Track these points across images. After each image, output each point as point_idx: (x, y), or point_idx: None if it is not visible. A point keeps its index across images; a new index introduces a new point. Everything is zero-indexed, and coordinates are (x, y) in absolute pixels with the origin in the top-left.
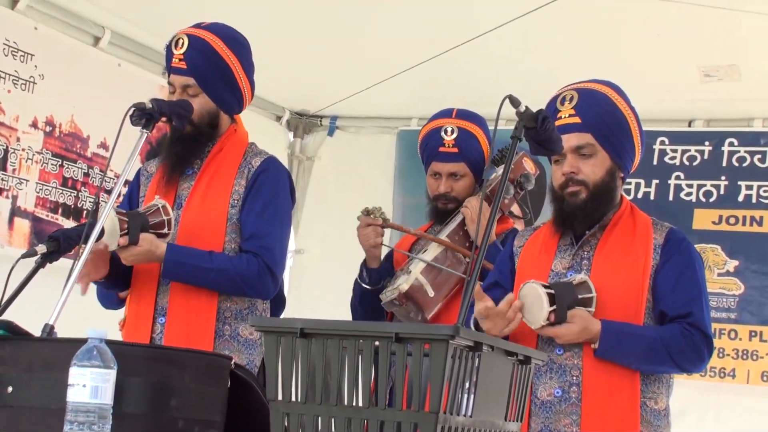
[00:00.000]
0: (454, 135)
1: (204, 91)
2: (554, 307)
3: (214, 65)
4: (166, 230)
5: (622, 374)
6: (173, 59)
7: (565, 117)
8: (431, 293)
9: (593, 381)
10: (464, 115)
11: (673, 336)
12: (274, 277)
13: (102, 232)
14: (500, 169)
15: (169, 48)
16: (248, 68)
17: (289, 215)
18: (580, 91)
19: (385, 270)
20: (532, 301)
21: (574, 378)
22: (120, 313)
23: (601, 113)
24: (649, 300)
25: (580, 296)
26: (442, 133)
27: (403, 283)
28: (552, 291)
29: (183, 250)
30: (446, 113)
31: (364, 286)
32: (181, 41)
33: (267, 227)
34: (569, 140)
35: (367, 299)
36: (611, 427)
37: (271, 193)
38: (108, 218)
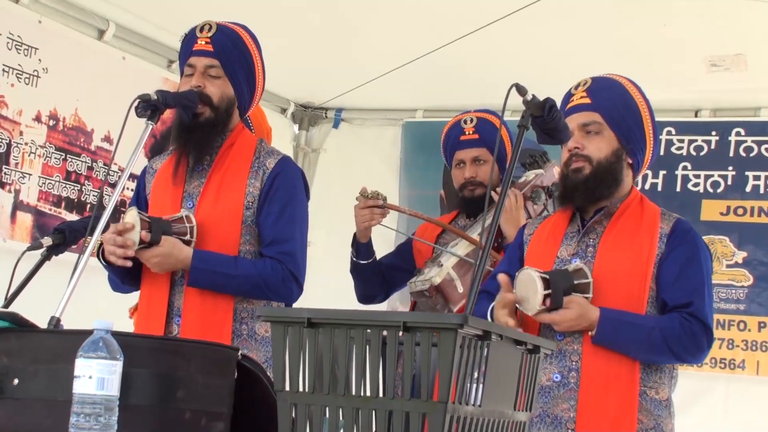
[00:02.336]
0: (474, 123)
1: (226, 75)
2: (549, 290)
3: (241, 53)
4: (188, 238)
5: (621, 362)
6: (197, 42)
7: (576, 99)
8: (461, 289)
9: (592, 367)
10: (482, 110)
11: (672, 326)
12: (298, 283)
13: (107, 226)
14: (530, 173)
15: (192, 33)
16: (264, 69)
17: (307, 217)
18: (595, 78)
19: (398, 253)
20: (527, 286)
21: (573, 363)
22: (129, 301)
23: (612, 96)
24: (652, 289)
25: (576, 282)
26: (462, 123)
27: (435, 276)
28: (547, 276)
29: (209, 256)
30: (465, 112)
31: (357, 261)
32: (208, 26)
33: (287, 232)
34: (577, 118)
35: (358, 271)
36: (608, 413)
37: (289, 197)
38: (131, 216)
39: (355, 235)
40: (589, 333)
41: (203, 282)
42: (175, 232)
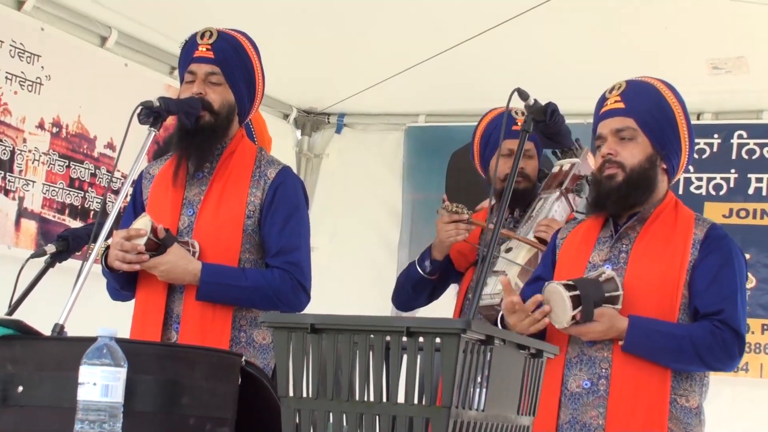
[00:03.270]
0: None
1: (227, 82)
2: (579, 309)
3: (241, 60)
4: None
5: (651, 369)
6: (198, 49)
7: (610, 103)
8: None
9: (622, 374)
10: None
11: (703, 334)
12: (306, 292)
13: (110, 233)
14: (564, 162)
15: (192, 39)
16: (264, 76)
17: (309, 226)
18: (630, 82)
19: (443, 263)
20: (556, 302)
21: (603, 371)
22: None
23: (646, 101)
24: (684, 296)
25: (606, 294)
26: (513, 114)
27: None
28: (577, 292)
29: (218, 269)
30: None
31: (424, 275)
32: (209, 33)
33: (293, 242)
34: (611, 124)
35: (421, 286)
36: (638, 421)
37: (292, 207)
38: (141, 221)
39: (429, 248)
40: (619, 342)
41: (212, 295)
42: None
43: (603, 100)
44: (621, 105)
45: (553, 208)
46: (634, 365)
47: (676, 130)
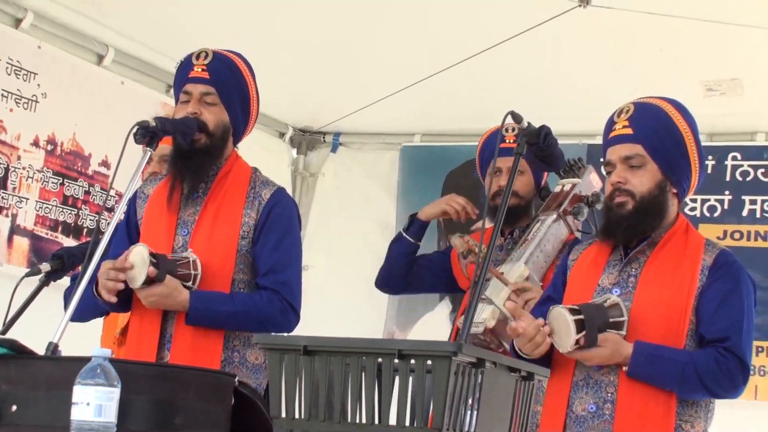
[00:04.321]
0: (515, 132)
1: (222, 102)
2: (583, 333)
3: (237, 81)
4: (190, 284)
5: (657, 395)
6: (194, 69)
7: (618, 128)
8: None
9: (627, 399)
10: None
11: (707, 361)
12: (295, 312)
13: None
14: (565, 182)
15: (188, 60)
16: (258, 97)
17: (301, 248)
18: (638, 105)
19: (438, 261)
20: (561, 326)
21: (609, 395)
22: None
23: (655, 126)
24: (692, 322)
25: (611, 320)
26: (503, 131)
27: (489, 319)
28: (581, 317)
29: (206, 295)
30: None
31: (406, 235)
32: (204, 53)
33: (283, 262)
34: (620, 150)
35: (398, 245)
36: None
37: (285, 228)
38: (138, 254)
39: (416, 213)
40: (623, 368)
41: (201, 321)
42: (179, 276)
43: (611, 123)
44: (629, 131)
45: (550, 231)
46: (640, 390)
47: (685, 154)
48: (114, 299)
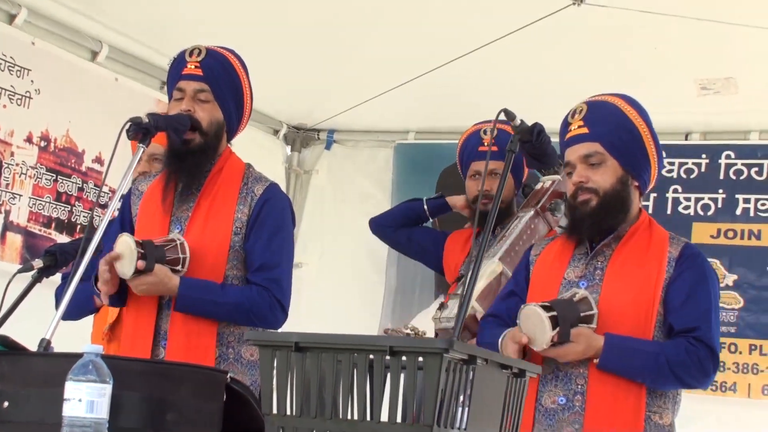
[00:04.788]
0: (494, 134)
1: (216, 99)
2: (557, 329)
3: (230, 78)
4: (179, 267)
5: (627, 386)
6: (187, 66)
7: (574, 129)
8: None
9: (597, 391)
10: (502, 121)
11: (678, 351)
12: (283, 310)
13: (98, 248)
14: (546, 179)
15: (181, 57)
16: (252, 94)
17: (293, 244)
18: (590, 104)
19: (433, 241)
20: (534, 324)
21: (579, 387)
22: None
23: (609, 122)
24: (660, 313)
25: (582, 314)
26: (482, 134)
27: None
28: (555, 313)
29: (196, 283)
30: (484, 122)
31: (424, 206)
32: (197, 50)
33: (275, 259)
34: (578, 150)
35: (410, 210)
36: None
37: (277, 224)
38: (124, 244)
39: (443, 195)
40: (594, 361)
41: (190, 308)
42: (168, 261)
43: (566, 125)
44: (585, 130)
45: (527, 228)
46: (610, 382)
47: (643, 147)
48: (113, 290)
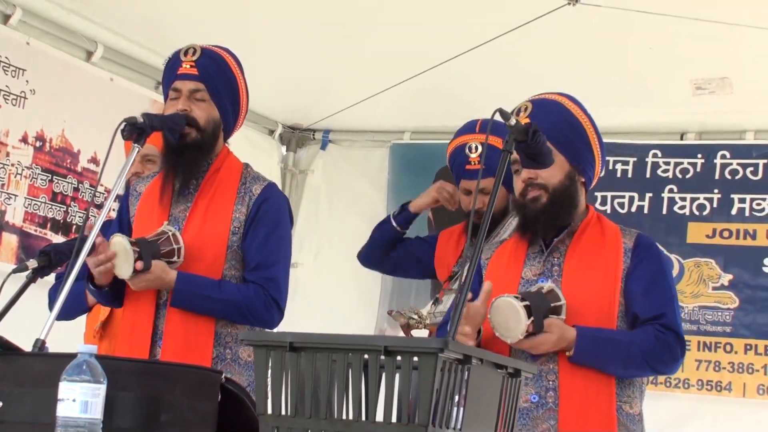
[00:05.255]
0: (479, 152)
1: (212, 98)
2: (531, 319)
3: (225, 76)
4: (175, 258)
5: (598, 378)
6: (182, 66)
7: None
8: None
9: (569, 385)
10: (486, 128)
11: (648, 339)
12: (279, 309)
13: (93, 248)
14: None
15: (176, 56)
16: (248, 92)
17: (290, 244)
18: (535, 101)
19: (421, 248)
20: (508, 315)
21: (551, 383)
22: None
23: (555, 119)
24: (621, 303)
25: (552, 305)
26: (467, 151)
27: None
28: (528, 303)
29: (192, 278)
30: (470, 127)
31: (393, 223)
32: (192, 50)
33: (272, 258)
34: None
35: (383, 231)
36: (589, 430)
37: (274, 223)
38: (119, 245)
39: (407, 203)
40: (567, 353)
41: (186, 303)
42: (163, 254)
43: None
44: None
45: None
46: (581, 375)
47: (587, 143)
48: (109, 280)
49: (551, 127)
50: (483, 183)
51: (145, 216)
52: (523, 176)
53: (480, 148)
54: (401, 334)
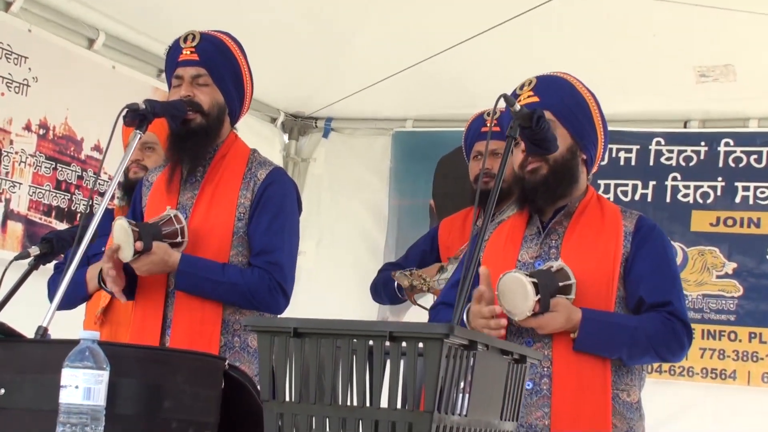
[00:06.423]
0: (497, 115)
1: (214, 82)
2: (539, 296)
3: (227, 60)
4: (180, 239)
5: (593, 365)
6: (182, 52)
7: (524, 99)
8: None
9: (564, 372)
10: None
11: (654, 325)
12: (285, 294)
13: (95, 235)
14: None
15: (176, 44)
16: (251, 76)
17: (297, 228)
18: (540, 77)
19: (427, 245)
20: (515, 291)
21: (545, 370)
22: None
23: (560, 93)
24: (619, 288)
25: (560, 284)
26: (485, 116)
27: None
28: (535, 280)
29: (196, 261)
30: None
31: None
32: (192, 36)
33: (276, 242)
34: None
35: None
36: (583, 419)
37: (279, 207)
38: (120, 228)
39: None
40: (571, 335)
41: (189, 286)
42: (165, 235)
43: (515, 96)
44: (536, 99)
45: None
46: (576, 362)
47: (591, 121)
48: (122, 285)
49: (555, 100)
50: (495, 144)
51: (155, 205)
52: (523, 146)
53: (498, 113)
54: (404, 318)
